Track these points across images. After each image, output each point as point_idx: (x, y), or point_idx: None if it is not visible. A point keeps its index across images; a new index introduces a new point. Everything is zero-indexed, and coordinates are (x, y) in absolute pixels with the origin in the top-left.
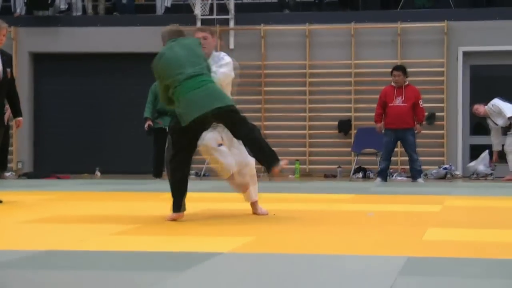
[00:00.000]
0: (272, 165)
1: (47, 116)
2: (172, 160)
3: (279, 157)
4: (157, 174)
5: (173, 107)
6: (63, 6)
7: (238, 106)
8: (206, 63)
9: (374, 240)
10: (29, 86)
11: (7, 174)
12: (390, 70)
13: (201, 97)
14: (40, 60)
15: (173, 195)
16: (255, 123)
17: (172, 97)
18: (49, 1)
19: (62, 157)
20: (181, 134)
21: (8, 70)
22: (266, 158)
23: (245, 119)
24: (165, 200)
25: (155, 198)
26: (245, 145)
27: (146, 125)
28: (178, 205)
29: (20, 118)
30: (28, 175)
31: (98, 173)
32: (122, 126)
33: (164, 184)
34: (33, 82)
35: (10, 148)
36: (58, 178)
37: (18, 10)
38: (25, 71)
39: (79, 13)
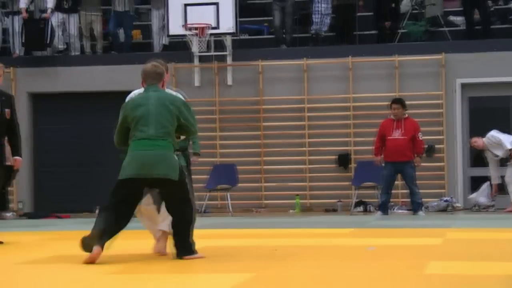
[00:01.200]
0: (183, 254)
1: (46, 155)
2: (107, 208)
3: (194, 250)
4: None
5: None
6: (61, 46)
7: (237, 142)
8: (175, 125)
9: (374, 275)
10: (28, 126)
11: (8, 214)
12: (388, 103)
13: (142, 161)
14: (38, 100)
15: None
16: (254, 159)
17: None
18: (47, 42)
19: (62, 196)
20: (120, 186)
21: (7, 110)
22: (182, 245)
23: (185, 199)
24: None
25: (151, 235)
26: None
27: None
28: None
29: (18, 158)
30: (28, 215)
31: (97, 212)
32: (121, 165)
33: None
34: (32, 122)
35: (10, 189)
36: (59, 217)
37: (16, 51)
38: (24, 111)
39: (77, 53)
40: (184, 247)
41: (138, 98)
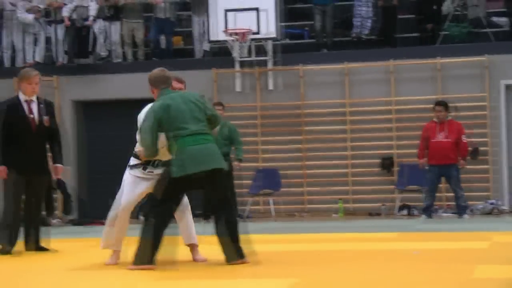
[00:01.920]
0: (234, 259)
1: (90, 162)
2: (158, 207)
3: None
4: (206, 215)
5: (153, 155)
6: (103, 53)
7: (279, 147)
8: (207, 117)
9: (423, 280)
10: (72, 134)
11: (53, 221)
12: (431, 105)
13: (201, 155)
14: (82, 108)
15: (150, 246)
16: (296, 164)
17: (168, 147)
18: (90, 49)
19: (106, 202)
20: (176, 184)
21: (45, 118)
22: (234, 249)
23: (234, 193)
24: (206, 243)
25: (200, 240)
26: (216, 221)
27: None
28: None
29: (58, 166)
30: (73, 222)
31: (141, 217)
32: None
33: (202, 227)
34: (75, 130)
35: (55, 196)
36: (103, 224)
37: (60, 59)
38: (67, 119)
39: (119, 60)
40: (237, 251)
41: (163, 101)
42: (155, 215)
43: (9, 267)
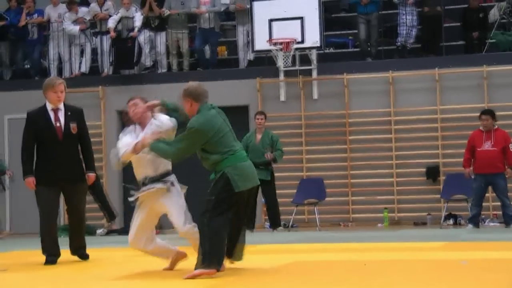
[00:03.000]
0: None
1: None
2: (217, 218)
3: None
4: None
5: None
6: (148, 64)
7: (323, 156)
8: None
9: None
10: (116, 143)
11: (98, 231)
12: (477, 114)
13: (251, 171)
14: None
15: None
16: (341, 173)
17: (211, 161)
18: (135, 60)
19: None
20: (236, 197)
21: (72, 125)
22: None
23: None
24: (255, 253)
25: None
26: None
27: None
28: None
29: (90, 174)
30: (118, 231)
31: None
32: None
33: (250, 236)
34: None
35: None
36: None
37: (105, 70)
38: (113, 128)
39: (164, 70)
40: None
41: (210, 117)
42: (218, 226)
43: (54, 275)
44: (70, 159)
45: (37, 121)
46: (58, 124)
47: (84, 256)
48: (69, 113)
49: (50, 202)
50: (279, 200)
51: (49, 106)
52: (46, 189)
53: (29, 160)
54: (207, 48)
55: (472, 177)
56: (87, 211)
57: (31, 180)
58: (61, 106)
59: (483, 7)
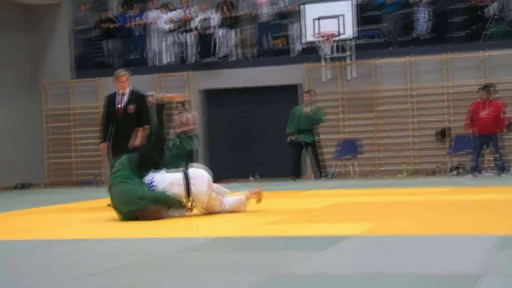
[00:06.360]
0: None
1: (215, 136)
2: None
3: None
4: (296, 175)
5: None
6: (222, 54)
7: (356, 123)
8: None
9: (470, 222)
10: (201, 116)
11: None
12: (477, 88)
13: None
14: (206, 96)
15: None
16: (370, 135)
17: None
18: (213, 51)
19: (228, 167)
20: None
21: (131, 106)
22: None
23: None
24: (304, 197)
25: (295, 195)
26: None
27: (288, 139)
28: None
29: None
30: None
31: (251, 178)
32: (270, 140)
33: (299, 184)
34: (202, 113)
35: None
36: (223, 182)
37: (189, 59)
38: (196, 104)
39: (234, 58)
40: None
41: None
42: None
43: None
44: (125, 132)
45: (109, 102)
46: (119, 106)
47: None
48: (132, 97)
49: (114, 162)
50: (323, 156)
51: (118, 92)
52: (112, 153)
53: (104, 131)
54: (267, 41)
55: (471, 138)
56: None
57: (104, 145)
58: (127, 91)
59: (481, 6)
